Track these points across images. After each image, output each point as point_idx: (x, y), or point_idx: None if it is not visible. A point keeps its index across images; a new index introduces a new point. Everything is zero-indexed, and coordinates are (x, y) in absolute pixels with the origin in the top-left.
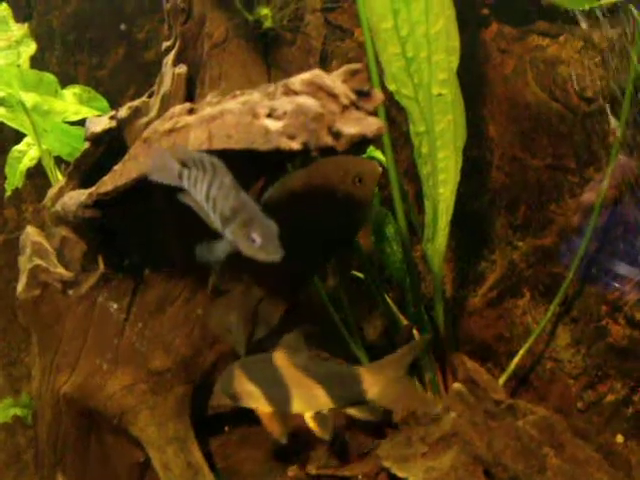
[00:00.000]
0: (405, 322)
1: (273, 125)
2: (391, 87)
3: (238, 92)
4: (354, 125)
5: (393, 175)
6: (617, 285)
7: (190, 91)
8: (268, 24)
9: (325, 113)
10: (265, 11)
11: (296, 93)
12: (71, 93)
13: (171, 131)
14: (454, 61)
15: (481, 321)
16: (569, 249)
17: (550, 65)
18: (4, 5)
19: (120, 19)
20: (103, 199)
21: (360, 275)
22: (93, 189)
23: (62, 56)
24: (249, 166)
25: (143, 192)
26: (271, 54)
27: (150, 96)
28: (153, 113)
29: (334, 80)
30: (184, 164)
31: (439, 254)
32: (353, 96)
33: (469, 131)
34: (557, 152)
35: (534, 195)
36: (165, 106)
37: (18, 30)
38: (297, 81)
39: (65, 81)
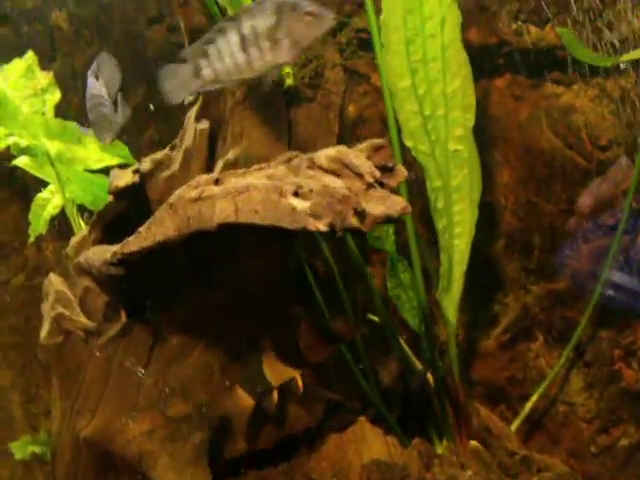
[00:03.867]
0: (419, 366)
1: (300, 205)
2: (408, 144)
3: (264, 164)
4: (379, 204)
5: (409, 224)
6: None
7: (212, 146)
8: (290, 82)
9: (351, 195)
10: (287, 69)
11: (321, 168)
12: (93, 141)
13: (197, 199)
14: (470, 118)
15: (494, 364)
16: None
17: (564, 113)
18: (30, 54)
19: (141, 62)
20: (127, 259)
21: (375, 319)
22: (118, 248)
23: (84, 97)
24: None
25: (167, 253)
26: (291, 110)
27: (172, 149)
28: (176, 167)
29: (359, 156)
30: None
31: (454, 304)
32: (378, 173)
33: (484, 175)
34: (571, 198)
35: (548, 239)
36: (187, 160)
37: (44, 78)
38: (322, 156)
39: (85, 121)
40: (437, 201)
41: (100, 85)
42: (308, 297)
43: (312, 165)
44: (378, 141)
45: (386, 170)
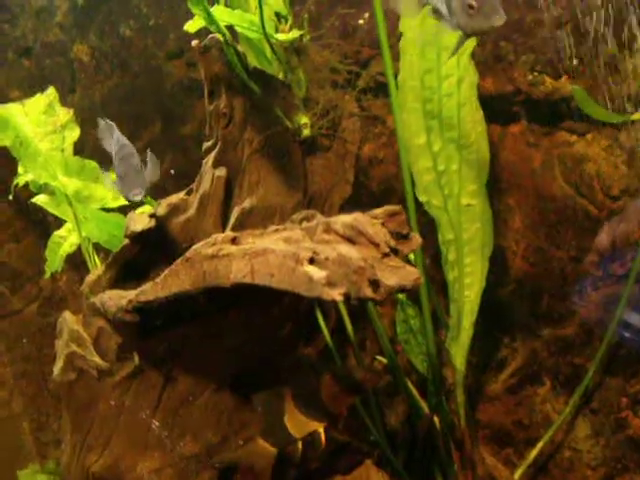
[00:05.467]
0: (426, 409)
1: (316, 274)
2: (422, 198)
3: (280, 227)
4: (392, 274)
5: (420, 272)
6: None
7: (228, 192)
8: (307, 133)
9: (366, 266)
10: (304, 119)
11: (337, 234)
12: (111, 179)
13: (213, 256)
14: (484, 174)
15: (501, 407)
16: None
17: (577, 161)
18: (52, 89)
19: (160, 94)
20: (142, 307)
21: (383, 360)
22: (134, 297)
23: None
24: None
25: (181, 303)
26: (308, 159)
27: (189, 193)
28: (192, 212)
29: (374, 225)
30: None
31: (463, 352)
32: (392, 242)
33: (497, 219)
34: (581, 245)
35: (557, 286)
36: (204, 205)
37: (64, 115)
38: (339, 222)
39: (103, 151)
40: (449, 253)
41: (124, 136)
42: (319, 340)
43: (328, 230)
44: (393, 207)
45: (401, 237)
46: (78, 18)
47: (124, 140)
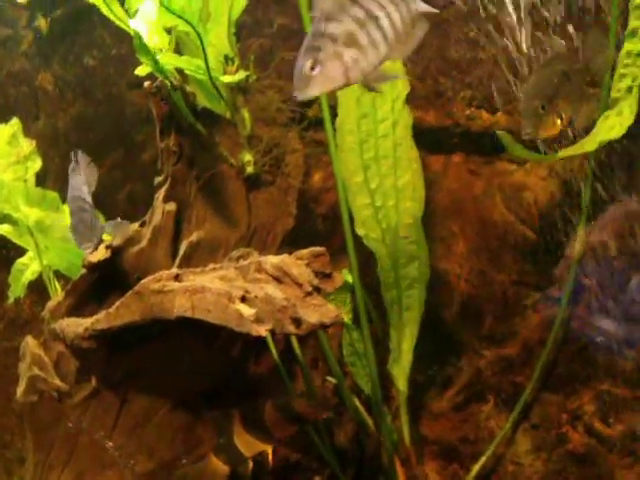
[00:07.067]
0: (374, 428)
1: (246, 311)
2: (359, 232)
3: (218, 265)
4: (314, 312)
5: (359, 297)
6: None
7: (178, 225)
8: (250, 170)
9: (289, 305)
10: (248, 157)
11: (267, 273)
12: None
13: (159, 292)
14: (419, 209)
15: (447, 424)
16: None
17: (516, 189)
18: (15, 120)
19: (121, 122)
20: (98, 334)
21: (333, 380)
22: (89, 325)
23: (64, 154)
24: None
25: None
26: (251, 194)
27: (142, 225)
28: (144, 243)
29: (299, 266)
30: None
31: (404, 374)
32: (315, 281)
33: (442, 245)
34: (522, 269)
35: (499, 308)
36: (155, 237)
37: (27, 146)
38: (268, 262)
39: (65, 176)
40: (387, 279)
41: (81, 183)
42: (269, 359)
43: (260, 269)
44: (318, 249)
45: (324, 276)
46: (42, 48)
47: (76, 191)
